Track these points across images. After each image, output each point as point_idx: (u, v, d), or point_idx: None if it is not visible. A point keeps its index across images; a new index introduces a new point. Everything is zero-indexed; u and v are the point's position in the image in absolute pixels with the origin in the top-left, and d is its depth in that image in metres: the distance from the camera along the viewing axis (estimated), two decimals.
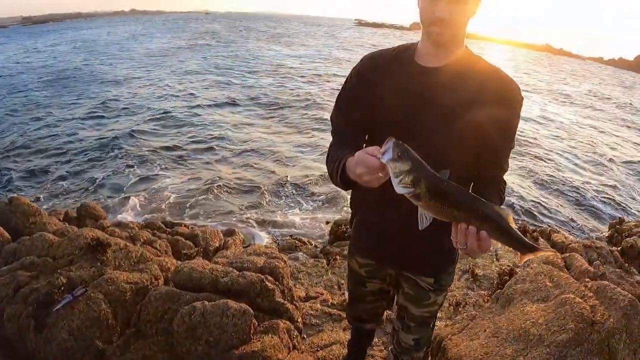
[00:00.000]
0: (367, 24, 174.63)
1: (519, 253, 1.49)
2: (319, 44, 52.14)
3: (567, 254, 4.32)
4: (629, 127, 24.44)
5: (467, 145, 1.63)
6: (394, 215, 1.76)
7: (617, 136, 21.30)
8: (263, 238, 7.77)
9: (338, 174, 1.59)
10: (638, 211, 12.02)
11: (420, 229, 1.40)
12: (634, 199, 13.09)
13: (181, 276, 3.41)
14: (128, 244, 3.89)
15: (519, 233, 1.43)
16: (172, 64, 28.98)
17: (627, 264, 5.69)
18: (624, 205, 12.19)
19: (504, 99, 1.60)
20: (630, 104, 33.78)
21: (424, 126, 1.61)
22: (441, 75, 1.60)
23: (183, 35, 55.22)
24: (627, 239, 6.97)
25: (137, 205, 8.99)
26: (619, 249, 6.61)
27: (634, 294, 3.12)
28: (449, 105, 1.58)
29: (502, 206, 1.52)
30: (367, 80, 1.73)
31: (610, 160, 16.81)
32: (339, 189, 1.95)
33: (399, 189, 1.33)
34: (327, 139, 14.08)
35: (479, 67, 1.64)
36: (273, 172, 11.15)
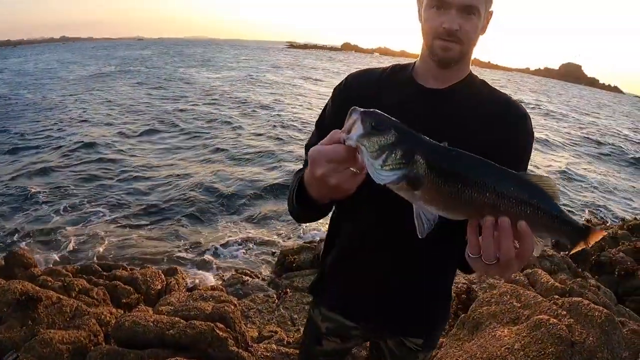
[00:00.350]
0: (299, 46, 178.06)
1: (568, 244, 1.05)
2: (250, 67, 51.95)
3: (530, 270, 4.21)
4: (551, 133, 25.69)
5: None
6: (382, 257, 1.46)
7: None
8: (207, 275, 7.32)
9: (293, 194, 1.27)
10: (580, 211, 12.38)
11: (420, 237, 1.00)
12: (572, 201, 13.49)
13: (123, 331, 3.12)
14: (61, 296, 3.66)
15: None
16: (98, 90, 27.76)
17: (580, 270, 5.68)
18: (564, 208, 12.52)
19: (515, 130, 1.39)
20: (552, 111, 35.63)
21: None
22: (447, 98, 1.39)
23: (113, 62, 53.39)
24: None
25: (69, 248, 8.26)
26: (567, 253, 6.62)
27: (602, 303, 2.98)
28: (456, 134, 1.27)
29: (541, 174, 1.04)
30: (355, 100, 1.39)
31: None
32: (298, 220, 1.53)
33: (384, 177, 0.93)
34: (263, 162, 13.90)
35: (488, 93, 1.44)
36: (210, 201, 10.50)
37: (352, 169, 1.00)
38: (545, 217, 0.97)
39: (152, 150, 14.90)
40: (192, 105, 22.93)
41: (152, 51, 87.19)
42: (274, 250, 8.15)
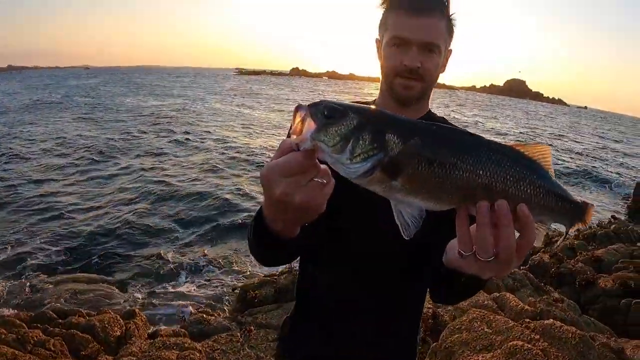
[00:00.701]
0: (248, 72, 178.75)
1: (567, 225, 0.91)
2: (196, 95, 51.31)
3: (497, 294, 4.17)
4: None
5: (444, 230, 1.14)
6: (361, 319, 1.35)
7: None
8: (167, 315, 6.99)
9: (251, 231, 1.09)
10: None
11: (407, 237, 0.84)
12: None
13: None
14: (17, 351, 3.45)
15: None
16: (39, 121, 26.55)
17: (542, 283, 5.72)
18: None
19: None
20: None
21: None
22: None
23: (59, 91, 51.81)
24: (532, 257, 7.11)
25: (19, 294, 7.74)
26: (527, 267, 6.69)
27: (570, 321, 2.95)
28: None
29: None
30: None
31: None
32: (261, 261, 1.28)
33: (357, 169, 0.77)
34: (210, 192, 13.48)
35: None
36: (161, 236, 10.05)
37: (316, 179, 0.83)
38: (547, 196, 0.84)
39: (94, 183, 14.24)
40: (136, 134, 22.28)
41: (99, 80, 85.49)
42: (234, 285, 7.87)
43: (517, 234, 0.82)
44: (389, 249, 1.24)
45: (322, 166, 0.83)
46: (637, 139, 55.67)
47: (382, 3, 1.37)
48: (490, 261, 0.83)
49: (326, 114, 0.78)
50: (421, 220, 0.84)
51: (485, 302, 3.81)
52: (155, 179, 14.73)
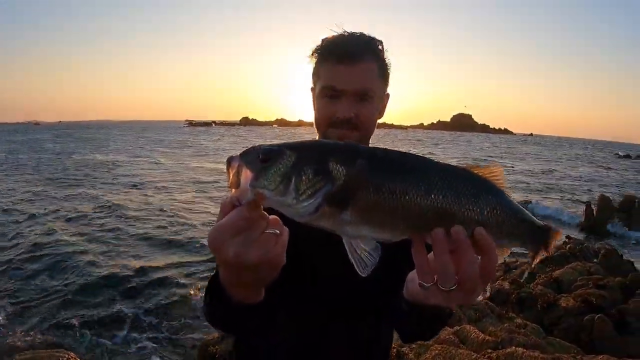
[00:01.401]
0: (198, 124, 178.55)
1: (531, 250, 0.87)
2: (142, 148, 50.08)
3: (458, 327, 4.16)
4: None
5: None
6: None
7: None
8: None
9: (209, 298, 1.01)
10: None
11: (364, 274, 0.78)
12: None
13: None
14: None
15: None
16: None
17: (504, 311, 5.73)
18: None
19: None
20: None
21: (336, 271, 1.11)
22: None
23: (2, 148, 49.82)
24: (492, 285, 7.16)
25: None
26: (487, 296, 6.72)
27: (532, 344, 2.96)
28: None
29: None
30: None
31: None
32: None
33: (307, 207, 0.73)
34: (159, 248, 12.93)
35: None
36: (108, 292, 9.42)
37: (268, 230, 0.78)
38: (506, 219, 0.80)
39: (36, 238, 13.28)
40: (80, 190, 21.22)
41: (46, 135, 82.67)
42: (193, 341, 7.50)
43: (478, 259, 0.79)
44: (359, 289, 1.16)
45: (272, 216, 0.80)
46: (564, 159, 57.74)
47: (312, 54, 1.36)
48: (454, 289, 0.79)
49: (261, 157, 0.74)
50: (377, 255, 0.79)
51: (447, 337, 3.78)
52: (105, 231, 14.19)
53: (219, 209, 0.79)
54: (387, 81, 1.38)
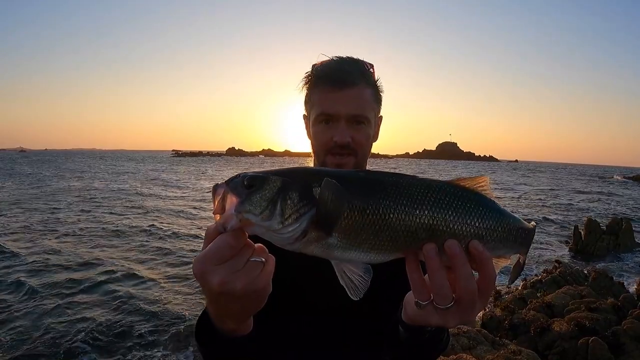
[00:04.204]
0: (185, 154, 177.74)
1: (522, 254, 0.84)
2: (129, 181, 48.58)
3: (454, 357, 4.08)
4: None
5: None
6: None
7: None
8: None
9: (198, 334, 0.94)
10: None
11: (356, 298, 0.77)
12: None
13: None
14: None
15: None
16: None
17: (497, 337, 5.67)
18: None
19: None
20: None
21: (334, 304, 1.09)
22: None
23: None
24: (484, 313, 7.10)
25: None
26: (480, 323, 6.66)
27: None
28: None
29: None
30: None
31: None
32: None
33: (291, 232, 0.71)
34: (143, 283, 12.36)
35: None
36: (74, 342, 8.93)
37: (253, 258, 0.76)
38: (500, 228, 0.78)
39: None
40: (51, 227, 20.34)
41: (32, 163, 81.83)
42: None
43: (475, 274, 0.76)
44: (353, 311, 1.11)
45: (257, 244, 0.78)
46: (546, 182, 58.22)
47: (306, 83, 1.35)
48: (451, 307, 0.75)
49: (246, 183, 0.73)
50: (368, 278, 0.78)
51: None
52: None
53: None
54: (380, 103, 1.37)
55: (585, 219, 17.57)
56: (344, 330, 1.21)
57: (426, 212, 0.74)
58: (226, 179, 0.78)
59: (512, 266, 0.88)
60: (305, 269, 1.04)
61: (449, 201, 0.76)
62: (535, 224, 0.86)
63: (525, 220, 0.84)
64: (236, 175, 0.76)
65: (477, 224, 0.76)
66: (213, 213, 0.76)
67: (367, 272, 0.78)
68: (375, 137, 1.38)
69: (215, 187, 0.76)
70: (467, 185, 0.80)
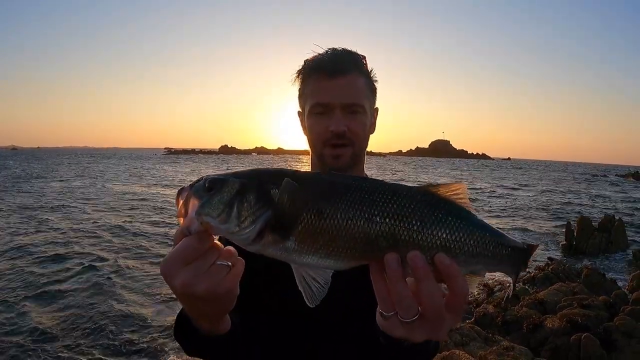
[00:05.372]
0: (177, 152, 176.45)
1: (510, 273, 0.79)
2: (121, 178, 47.29)
3: (447, 353, 4.08)
4: None
5: None
6: None
7: None
8: None
9: (178, 332, 0.96)
10: None
11: (311, 304, 0.74)
12: None
13: None
14: None
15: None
16: None
17: (490, 334, 5.67)
18: None
19: None
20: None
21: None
22: None
23: None
24: (476, 309, 7.10)
25: None
26: (472, 320, 6.67)
27: None
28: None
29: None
30: None
31: None
32: None
33: (248, 234, 0.70)
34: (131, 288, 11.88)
35: None
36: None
37: (219, 261, 0.75)
38: (473, 241, 0.72)
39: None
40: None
41: (21, 162, 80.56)
42: None
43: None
44: (321, 315, 1.03)
45: (227, 247, 0.78)
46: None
47: (297, 76, 1.34)
48: (416, 321, 0.71)
49: (207, 186, 0.73)
50: (326, 284, 0.75)
51: None
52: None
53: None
54: (375, 93, 1.35)
55: (578, 216, 17.66)
56: (316, 334, 1.16)
57: (387, 219, 0.70)
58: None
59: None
60: (274, 271, 0.99)
61: (414, 209, 0.71)
62: (534, 244, 0.80)
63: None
64: (199, 178, 0.76)
65: (444, 236, 0.71)
66: (176, 216, 0.77)
67: (325, 277, 0.75)
68: (372, 129, 1.35)
69: (179, 192, 0.77)
70: (439, 192, 0.75)
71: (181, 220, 0.75)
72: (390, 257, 0.69)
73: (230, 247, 0.78)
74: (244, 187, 0.72)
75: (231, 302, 0.80)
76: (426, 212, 0.71)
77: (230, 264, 0.77)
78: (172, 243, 0.78)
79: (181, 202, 0.75)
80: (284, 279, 1.04)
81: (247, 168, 0.78)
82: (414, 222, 0.70)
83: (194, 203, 0.73)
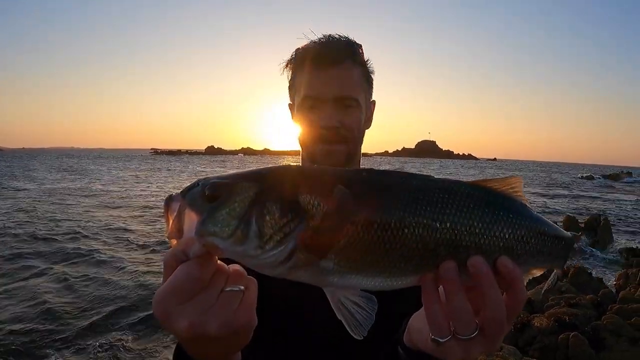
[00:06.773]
0: (164, 152, 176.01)
1: (557, 267, 0.73)
2: (108, 179, 46.58)
3: None
4: None
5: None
6: None
7: None
8: None
9: None
10: None
11: (358, 337, 0.60)
12: None
13: None
14: None
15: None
16: None
17: None
18: None
19: None
20: None
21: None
22: None
23: None
24: None
25: None
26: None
27: None
28: None
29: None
30: None
31: None
32: None
33: (274, 257, 0.54)
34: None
35: None
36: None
37: (228, 288, 0.58)
38: (534, 239, 0.64)
39: None
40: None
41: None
42: None
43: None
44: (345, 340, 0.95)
45: (233, 266, 0.60)
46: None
47: (287, 66, 1.22)
48: (475, 338, 0.60)
49: (208, 194, 0.55)
50: (373, 310, 0.61)
51: None
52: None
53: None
54: (372, 86, 1.24)
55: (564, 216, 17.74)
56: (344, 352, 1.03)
57: (448, 224, 0.59)
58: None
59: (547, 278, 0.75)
60: (290, 293, 0.87)
61: (474, 208, 0.61)
62: (576, 234, 0.74)
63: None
64: (194, 182, 0.59)
65: (507, 236, 0.62)
66: (167, 237, 0.58)
67: (371, 302, 0.61)
68: (368, 124, 1.25)
69: (169, 201, 0.58)
70: (496, 187, 0.66)
71: (174, 241, 0.57)
72: (448, 265, 0.58)
73: (236, 265, 0.60)
74: (262, 194, 0.55)
75: (248, 336, 0.63)
76: (487, 211, 0.62)
77: (242, 287, 0.60)
78: (162, 270, 0.58)
79: (172, 216, 0.57)
80: (307, 303, 0.89)
81: (248, 168, 0.62)
82: (475, 223, 0.60)
83: (191, 218, 0.56)
